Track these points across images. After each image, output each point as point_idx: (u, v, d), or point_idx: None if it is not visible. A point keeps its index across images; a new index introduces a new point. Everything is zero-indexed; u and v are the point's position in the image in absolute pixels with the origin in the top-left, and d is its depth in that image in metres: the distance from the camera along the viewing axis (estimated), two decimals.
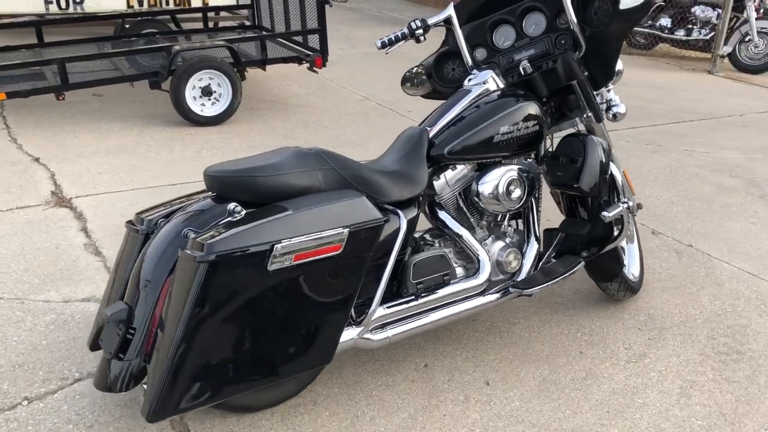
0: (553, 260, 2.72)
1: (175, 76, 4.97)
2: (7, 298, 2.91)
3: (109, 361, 2.07)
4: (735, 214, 4.15)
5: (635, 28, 9.26)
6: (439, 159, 2.46)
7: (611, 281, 2.91)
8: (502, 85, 2.63)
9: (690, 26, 8.76)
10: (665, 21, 8.93)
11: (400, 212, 2.23)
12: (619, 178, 2.73)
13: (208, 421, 2.25)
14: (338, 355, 2.20)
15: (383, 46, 2.76)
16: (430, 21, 2.74)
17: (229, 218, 2.02)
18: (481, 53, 2.79)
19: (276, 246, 1.89)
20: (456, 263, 2.47)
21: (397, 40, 2.75)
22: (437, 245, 2.50)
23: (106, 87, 5.32)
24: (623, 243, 3.01)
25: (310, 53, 5.47)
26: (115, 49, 5.63)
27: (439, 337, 2.76)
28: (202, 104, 5.13)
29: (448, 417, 2.34)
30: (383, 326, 2.30)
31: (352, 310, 2.17)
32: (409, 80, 2.92)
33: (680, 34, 8.82)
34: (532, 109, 2.55)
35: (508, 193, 2.51)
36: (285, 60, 5.50)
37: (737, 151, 5.35)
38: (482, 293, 2.52)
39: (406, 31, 2.74)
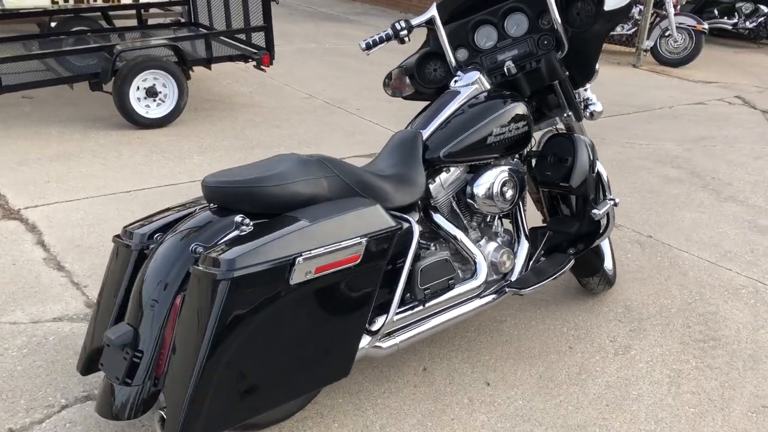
0: (542, 259, 2.76)
1: (118, 77, 4.74)
2: None
3: (112, 387, 1.96)
4: (684, 204, 4.33)
5: None
6: (434, 162, 2.45)
7: (593, 276, 2.98)
8: (488, 86, 2.64)
9: None
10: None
11: (410, 218, 2.20)
12: (604, 175, 2.79)
13: None
14: None
15: (368, 47, 2.72)
16: (414, 21, 2.71)
17: (237, 231, 1.95)
18: (462, 54, 2.79)
19: (298, 259, 1.84)
20: (455, 266, 2.46)
21: (381, 41, 2.71)
22: (433, 249, 2.49)
23: (36, 89, 5.02)
24: None
25: (257, 51, 5.33)
26: (44, 49, 5.32)
27: (433, 340, 2.75)
28: (147, 106, 4.93)
29: (456, 421, 2.34)
30: (390, 334, 2.27)
31: None
32: (389, 82, 2.88)
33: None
34: (522, 109, 2.57)
35: (502, 193, 2.53)
36: (231, 58, 5.35)
37: (673, 142, 5.59)
38: (479, 295, 2.52)
39: (390, 32, 2.71)
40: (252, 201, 2.02)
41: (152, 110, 4.95)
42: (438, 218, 2.49)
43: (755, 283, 3.36)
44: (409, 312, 2.29)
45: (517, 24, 2.73)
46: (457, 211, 2.57)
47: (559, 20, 2.61)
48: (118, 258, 2.16)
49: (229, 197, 2.05)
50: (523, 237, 2.68)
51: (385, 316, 2.16)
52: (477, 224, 2.64)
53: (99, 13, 6.17)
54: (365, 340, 2.16)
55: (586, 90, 2.91)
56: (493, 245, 2.59)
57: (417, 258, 2.40)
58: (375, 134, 5.26)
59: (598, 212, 2.64)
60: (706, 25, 8.52)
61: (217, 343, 1.76)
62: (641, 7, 8.68)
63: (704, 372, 2.67)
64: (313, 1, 12.25)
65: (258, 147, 4.84)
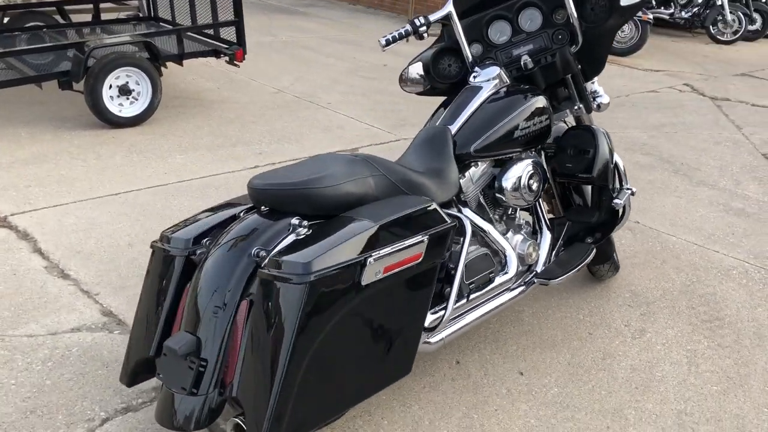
0: (561, 249, 2.83)
1: (90, 75, 4.57)
2: None
3: (173, 397, 1.92)
4: (660, 190, 4.50)
5: None
6: (464, 157, 2.48)
7: (605, 263, 3.07)
8: (508, 81, 2.68)
9: None
10: None
11: (462, 215, 2.22)
12: (621, 165, 2.88)
13: None
14: None
15: (387, 44, 2.73)
16: (432, 17, 2.73)
17: (294, 234, 1.94)
18: (476, 49, 2.82)
19: (369, 259, 1.84)
20: (494, 260, 2.50)
21: (401, 37, 2.73)
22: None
23: None
24: None
25: (229, 46, 5.23)
26: (1, 47, 5.07)
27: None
28: (120, 104, 4.77)
29: (500, 411, 2.39)
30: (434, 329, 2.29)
31: None
32: (406, 77, 2.89)
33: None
34: (543, 102, 2.63)
35: (529, 186, 2.58)
36: (204, 54, 5.23)
37: (637, 129, 5.79)
38: (509, 288, 2.57)
39: (409, 28, 2.72)
40: (306, 203, 2.01)
41: (126, 109, 4.80)
42: (468, 213, 2.52)
43: (743, 264, 3.54)
44: (455, 307, 2.32)
45: (530, 19, 2.78)
46: (484, 205, 2.61)
47: (576, 15, 2.68)
48: (161, 265, 2.11)
49: (281, 199, 2.02)
50: (545, 228, 2.75)
51: (442, 311, 2.19)
52: (500, 217, 2.68)
53: (54, 8, 5.91)
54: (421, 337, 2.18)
55: (593, 83, 2.99)
56: (519, 237, 2.65)
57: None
58: (353, 129, 5.25)
59: (619, 201, 2.73)
60: (650, 15, 8.83)
61: (298, 347, 1.74)
62: None
63: (717, 351, 2.80)
64: None
65: (239, 144, 4.76)
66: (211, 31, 5.50)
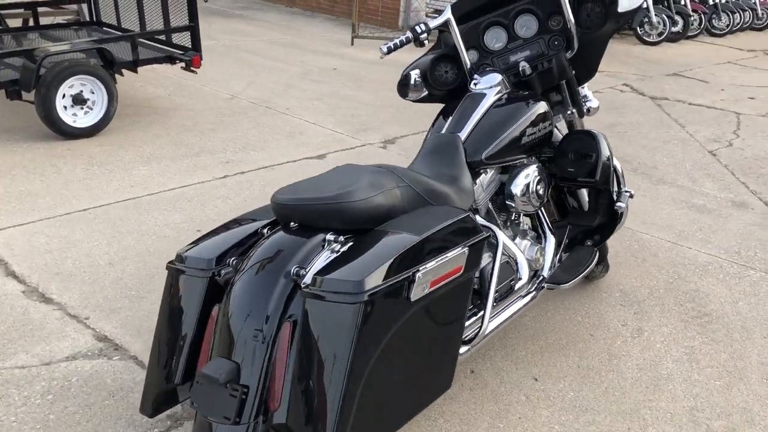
0: (563, 253, 2.86)
1: (42, 84, 4.32)
2: None
3: (211, 426, 1.82)
4: None
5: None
6: (475, 165, 2.47)
7: (599, 264, 3.13)
8: (509, 88, 2.69)
9: None
10: None
11: (493, 225, 2.20)
12: (619, 168, 2.93)
13: None
14: None
15: (389, 51, 2.69)
16: (432, 24, 2.71)
17: (330, 250, 1.88)
18: (472, 55, 2.82)
19: (417, 274, 1.79)
20: (514, 268, 2.50)
21: (402, 44, 2.71)
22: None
23: None
24: None
25: (185, 52, 5.06)
26: None
27: None
28: (74, 114, 4.53)
29: (524, 419, 2.39)
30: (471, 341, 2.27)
31: None
32: (404, 84, 2.85)
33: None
34: (545, 108, 2.65)
35: (537, 191, 2.59)
36: (159, 60, 5.03)
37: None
38: (521, 294, 2.58)
39: (410, 35, 2.70)
40: (338, 217, 1.95)
41: (80, 119, 4.56)
42: (480, 220, 2.51)
43: (716, 259, 3.67)
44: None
45: (526, 25, 2.80)
46: (492, 211, 2.61)
47: (573, 21, 2.71)
48: (181, 287, 2.01)
49: (312, 215, 1.96)
50: (549, 233, 2.77)
51: (477, 323, 2.16)
52: (506, 224, 2.69)
53: None
54: None
55: (583, 87, 3.03)
56: (526, 243, 2.66)
57: None
58: (317, 135, 5.17)
59: (622, 204, 2.78)
60: None
61: (355, 368, 1.69)
62: None
63: (712, 346, 2.89)
64: None
65: (203, 153, 4.61)
66: (162, 37, 5.30)
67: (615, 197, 2.84)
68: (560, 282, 2.64)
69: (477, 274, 2.26)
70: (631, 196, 2.92)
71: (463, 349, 2.22)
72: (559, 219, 2.99)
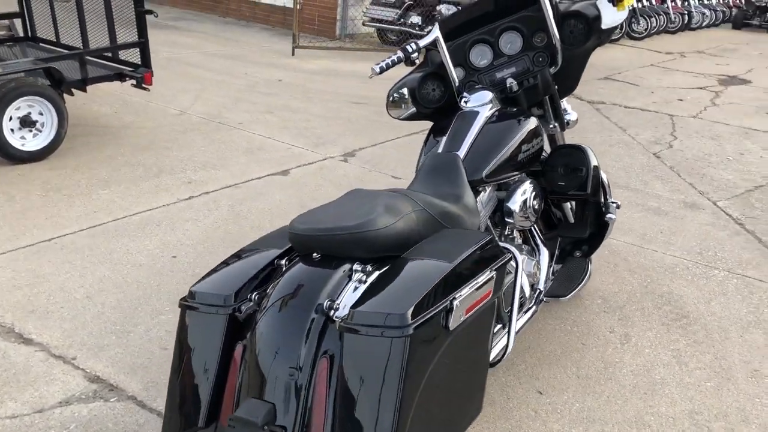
0: (555, 265, 2.90)
1: None
2: None
3: None
4: None
5: (388, 26, 9.84)
6: (475, 183, 2.48)
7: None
8: (499, 105, 2.72)
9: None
10: (416, 18, 9.62)
11: (511, 247, 2.21)
12: (605, 180, 3.00)
13: None
14: None
15: (381, 71, 2.67)
16: (421, 43, 2.72)
17: (357, 281, 1.85)
18: (458, 73, 2.83)
19: (455, 302, 1.78)
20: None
21: (394, 64, 2.70)
22: None
23: None
24: None
25: (135, 69, 4.88)
26: None
27: None
28: (23, 137, 4.30)
29: None
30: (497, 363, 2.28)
31: None
32: (393, 102, 2.84)
33: (429, 30, 9.57)
34: (535, 124, 2.69)
35: (533, 206, 2.63)
36: (109, 78, 4.83)
37: None
38: (524, 309, 2.60)
39: (401, 54, 2.70)
40: (362, 246, 1.91)
41: (29, 142, 4.34)
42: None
43: (682, 261, 3.81)
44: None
45: (511, 42, 2.83)
46: (491, 229, 2.63)
47: (558, 38, 2.76)
48: (199, 325, 1.93)
49: (335, 245, 1.91)
50: (542, 246, 2.81)
51: (502, 343, 2.17)
52: (500, 239, 2.71)
53: None
54: None
55: (562, 101, 3.10)
56: (523, 258, 2.68)
57: None
58: (275, 150, 5.08)
59: (613, 216, 2.84)
60: None
61: (404, 402, 1.66)
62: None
63: (696, 348, 3.00)
64: None
65: (162, 173, 4.46)
66: (109, 54, 5.09)
67: (603, 209, 2.90)
68: (559, 295, 2.69)
69: None
70: (618, 207, 3.00)
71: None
72: (546, 231, 3.04)
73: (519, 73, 2.81)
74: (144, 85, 4.88)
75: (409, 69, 2.89)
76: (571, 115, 3.09)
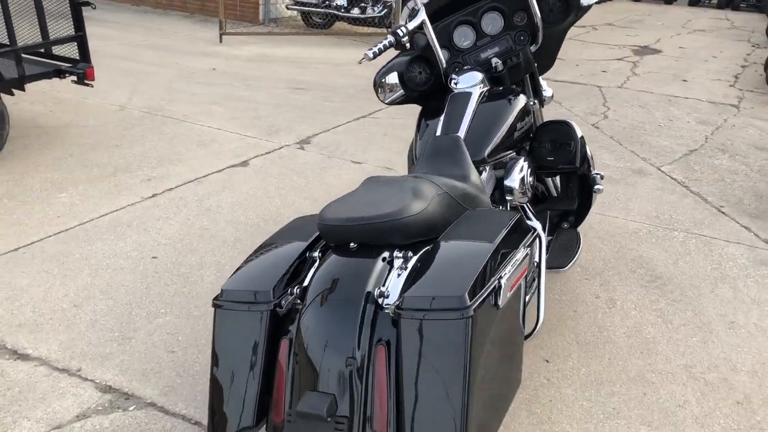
0: (547, 237, 3.00)
1: None
2: None
3: None
4: None
5: (313, 9, 9.72)
6: (478, 163, 2.53)
7: None
8: (488, 85, 2.77)
9: (363, 4, 9.52)
10: (341, 1, 9.54)
11: (536, 223, 2.27)
12: (590, 153, 3.11)
13: None
14: None
15: (374, 56, 2.67)
16: (410, 26, 2.73)
17: (400, 268, 1.87)
18: (444, 54, 2.86)
19: (502, 281, 1.83)
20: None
21: (386, 48, 2.70)
22: None
23: None
24: None
25: (75, 64, 4.65)
26: None
27: None
28: None
29: (555, 401, 2.52)
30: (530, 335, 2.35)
31: None
32: (381, 86, 2.84)
33: (355, 12, 9.52)
34: (525, 101, 2.76)
35: (530, 182, 2.70)
36: (47, 75, 4.58)
37: None
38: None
39: (392, 39, 2.70)
40: (399, 233, 1.93)
41: None
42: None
43: (643, 225, 4.01)
44: None
45: (492, 22, 2.89)
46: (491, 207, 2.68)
47: (540, 16, 2.83)
48: (239, 324, 1.90)
49: (372, 233, 1.92)
50: (535, 220, 2.89)
51: (536, 319, 2.23)
52: None
53: None
54: None
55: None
56: None
57: None
58: (228, 141, 4.98)
59: (600, 187, 2.96)
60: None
61: (472, 383, 1.70)
62: None
63: (675, 306, 3.18)
64: None
65: (119, 172, 4.29)
66: (42, 50, 4.82)
67: (590, 180, 3.02)
68: (559, 266, 2.78)
69: None
70: (602, 178, 3.12)
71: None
72: (533, 206, 3.13)
73: (502, 52, 2.87)
74: (87, 81, 4.66)
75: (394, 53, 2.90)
76: (547, 92, 3.18)
